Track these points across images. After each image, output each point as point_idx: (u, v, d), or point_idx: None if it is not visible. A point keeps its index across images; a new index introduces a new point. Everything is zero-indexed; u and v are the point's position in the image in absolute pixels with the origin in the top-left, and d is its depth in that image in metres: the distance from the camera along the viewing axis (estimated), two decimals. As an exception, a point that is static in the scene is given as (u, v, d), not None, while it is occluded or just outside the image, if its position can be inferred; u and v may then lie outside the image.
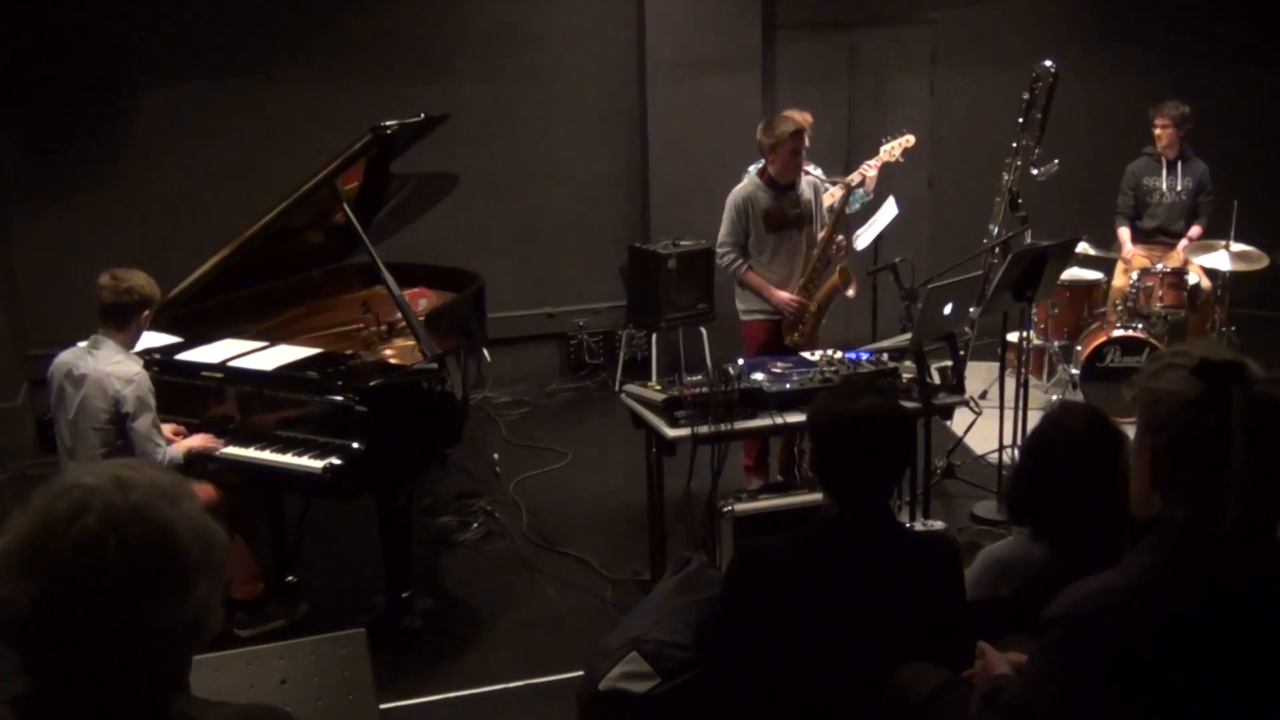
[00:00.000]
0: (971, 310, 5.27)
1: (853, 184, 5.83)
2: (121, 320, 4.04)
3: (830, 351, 4.68)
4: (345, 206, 4.70)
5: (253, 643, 3.98)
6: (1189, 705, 1.69)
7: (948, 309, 4.68)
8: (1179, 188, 7.00)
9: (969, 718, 2.03)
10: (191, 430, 4.30)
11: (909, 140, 6.03)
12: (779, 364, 4.57)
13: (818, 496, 3.41)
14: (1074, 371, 6.67)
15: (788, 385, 4.35)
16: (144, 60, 6.78)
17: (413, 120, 4.80)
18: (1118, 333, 6.48)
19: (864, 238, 6.11)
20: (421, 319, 4.71)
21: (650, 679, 2.88)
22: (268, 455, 4.18)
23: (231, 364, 4.40)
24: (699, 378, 4.36)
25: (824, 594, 2.49)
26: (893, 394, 3.90)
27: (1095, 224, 7.01)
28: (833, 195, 5.87)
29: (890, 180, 6.34)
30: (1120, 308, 6.68)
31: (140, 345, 4.34)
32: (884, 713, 2.33)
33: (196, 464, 4.19)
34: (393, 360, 4.81)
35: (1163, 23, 8.39)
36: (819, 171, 5.93)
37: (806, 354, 4.75)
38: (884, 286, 6.01)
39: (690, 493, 4.50)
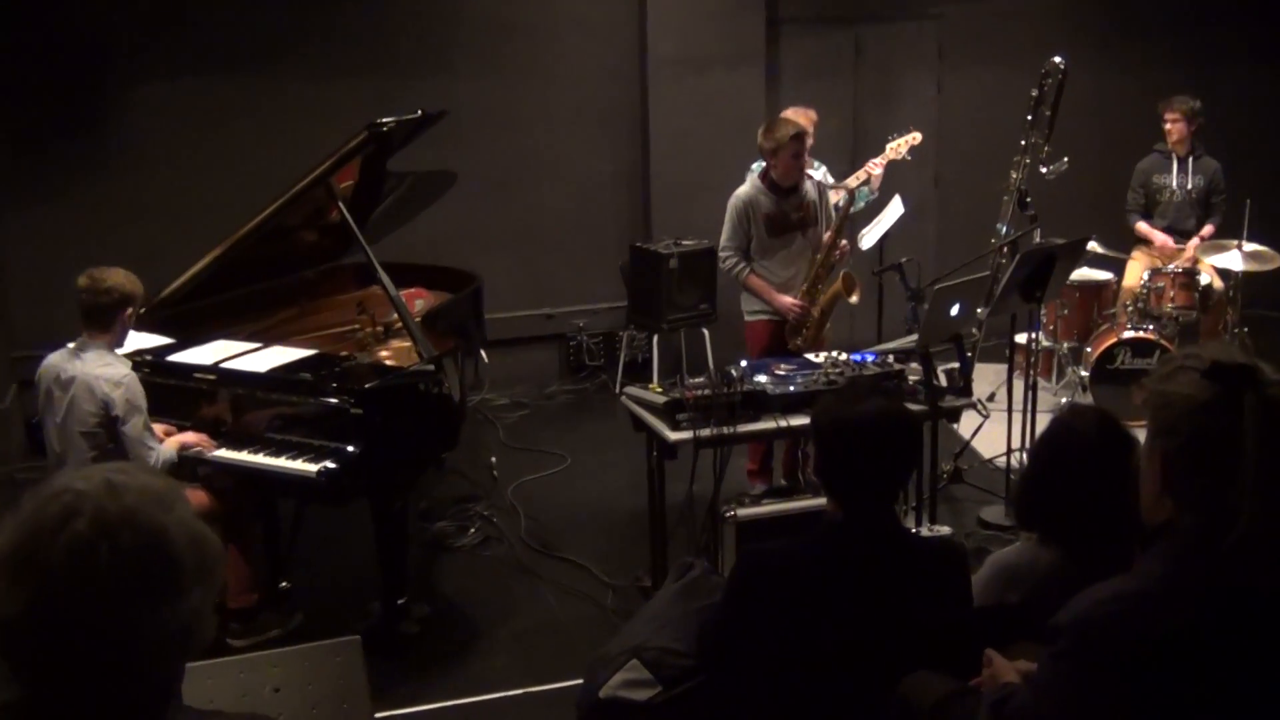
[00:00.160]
0: (979, 311, 5.27)
1: (852, 187, 5.83)
2: (104, 322, 4.02)
3: (835, 353, 4.68)
4: (340, 205, 4.70)
5: (246, 653, 3.99)
6: (1200, 715, 1.70)
7: (955, 310, 4.68)
8: (1189, 185, 7.00)
9: (976, 727, 2.03)
10: (183, 432, 4.29)
11: (915, 138, 6.04)
12: (782, 366, 4.57)
13: (822, 501, 3.41)
14: (1083, 374, 6.67)
15: (791, 387, 4.35)
16: (135, 56, 6.78)
17: (410, 117, 4.80)
18: (1128, 334, 6.48)
19: (869, 237, 6.11)
20: (418, 320, 4.71)
21: (651, 687, 2.89)
22: (261, 459, 4.18)
23: (224, 366, 4.40)
24: (701, 380, 4.36)
25: (828, 601, 2.49)
26: (898, 396, 3.91)
27: (1105, 223, 7.01)
28: (837, 194, 5.87)
29: (896, 178, 6.34)
30: (1131, 308, 6.68)
31: (131, 346, 4.34)
32: (889, 722, 2.34)
33: (189, 468, 4.19)
34: (389, 362, 4.81)
35: (1174, 18, 8.40)
36: (823, 170, 5.94)
37: (811, 356, 4.76)
38: (890, 287, 6.00)
39: (692, 497, 4.50)
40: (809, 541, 2.63)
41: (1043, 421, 3.39)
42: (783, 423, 4.27)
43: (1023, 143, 6.22)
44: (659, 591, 3.37)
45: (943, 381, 4.64)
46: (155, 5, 6.78)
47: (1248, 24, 8.44)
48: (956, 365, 4.79)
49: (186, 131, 6.87)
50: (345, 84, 6.99)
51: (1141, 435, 1.87)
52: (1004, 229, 6.28)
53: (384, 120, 4.56)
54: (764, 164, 5.45)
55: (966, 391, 4.73)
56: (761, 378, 4.40)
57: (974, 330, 5.80)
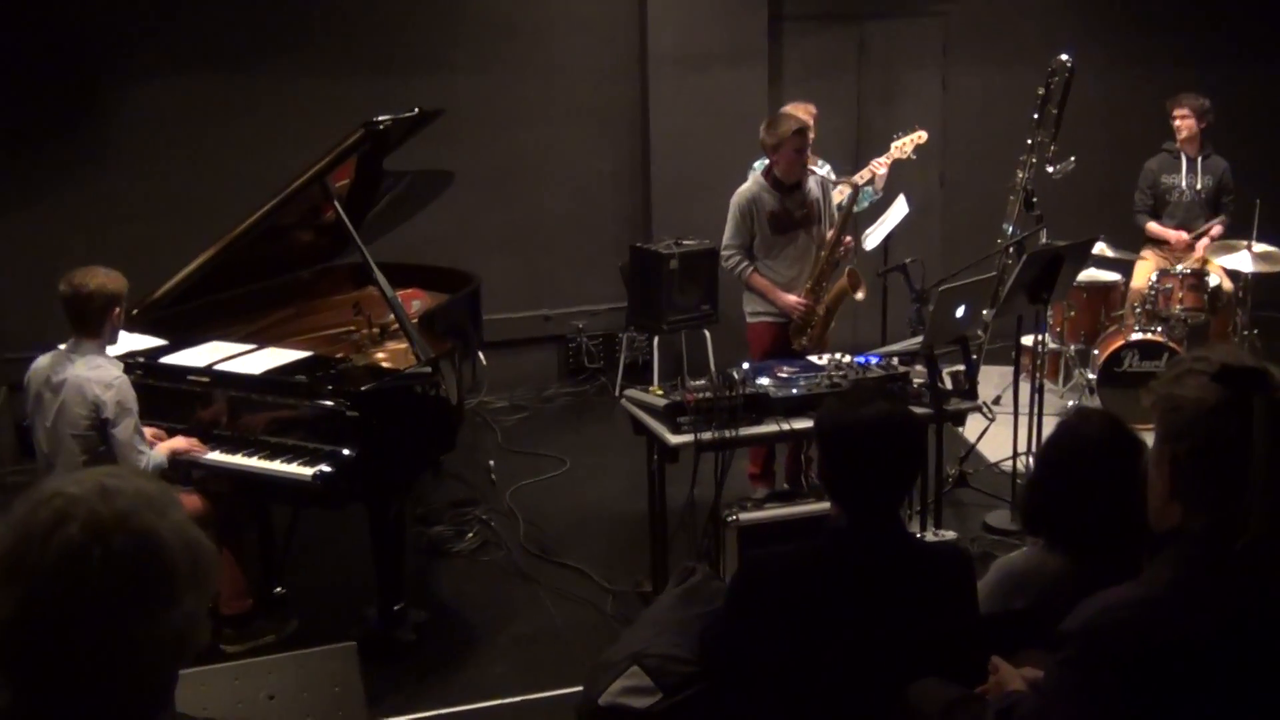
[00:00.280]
0: (985, 313, 5.27)
1: (859, 183, 5.83)
2: (94, 325, 4.00)
3: (839, 355, 4.68)
4: (336, 204, 4.70)
5: (240, 659, 3.99)
6: (1210, 723, 1.70)
7: (960, 311, 4.68)
8: (1198, 185, 7.00)
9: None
10: (174, 436, 4.28)
11: (921, 137, 6.04)
12: (785, 368, 4.57)
13: (825, 506, 3.41)
14: (1091, 376, 6.68)
15: (794, 390, 4.35)
16: (126, 53, 6.78)
17: (406, 115, 4.80)
18: (1136, 336, 6.48)
19: (873, 237, 6.11)
20: (415, 321, 4.72)
21: (652, 694, 2.89)
22: (255, 462, 4.18)
23: (218, 367, 4.40)
24: (702, 382, 4.36)
25: (831, 607, 2.49)
26: (903, 399, 3.91)
27: (1113, 223, 7.02)
28: (840, 194, 5.87)
29: (900, 178, 6.34)
30: (1139, 310, 6.68)
31: (124, 348, 4.34)
32: (894, 730, 2.34)
33: (182, 472, 4.19)
34: (385, 364, 4.81)
35: (1183, 16, 8.40)
36: (827, 169, 5.94)
37: (814, 358, 4.76)
38: (894, 288, 6.00)
39: (693, 502, 4.50)
40: (812, 547, 2.63)
41: (1049, 425, 3.40)
42: (785, 426, 4.27)
43: (1029, 141, 6.22)
44: (660, 597, 3.37)
45: (948, 384, 4.64)
46: (148, 2, 6.78)
47: (1257, 22, 8.45)
48: (962, 368, 4.79)
49: (180, 130, 6.87)
50: (341, 81, 6.99)
51: (1149, 439, 1.87)
52: (1010, 229, 6.28)
53: (380, 118, 4.56)
54: (766, 163, 5.45)
55: (972, 394, 4.73)
56: (764, 380, 4.40)
57: (980, 332, 5.80)
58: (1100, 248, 6.66)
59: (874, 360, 4.65)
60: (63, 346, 4.09)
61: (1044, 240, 5.76)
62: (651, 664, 2.91)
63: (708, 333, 7.37)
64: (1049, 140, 6.24)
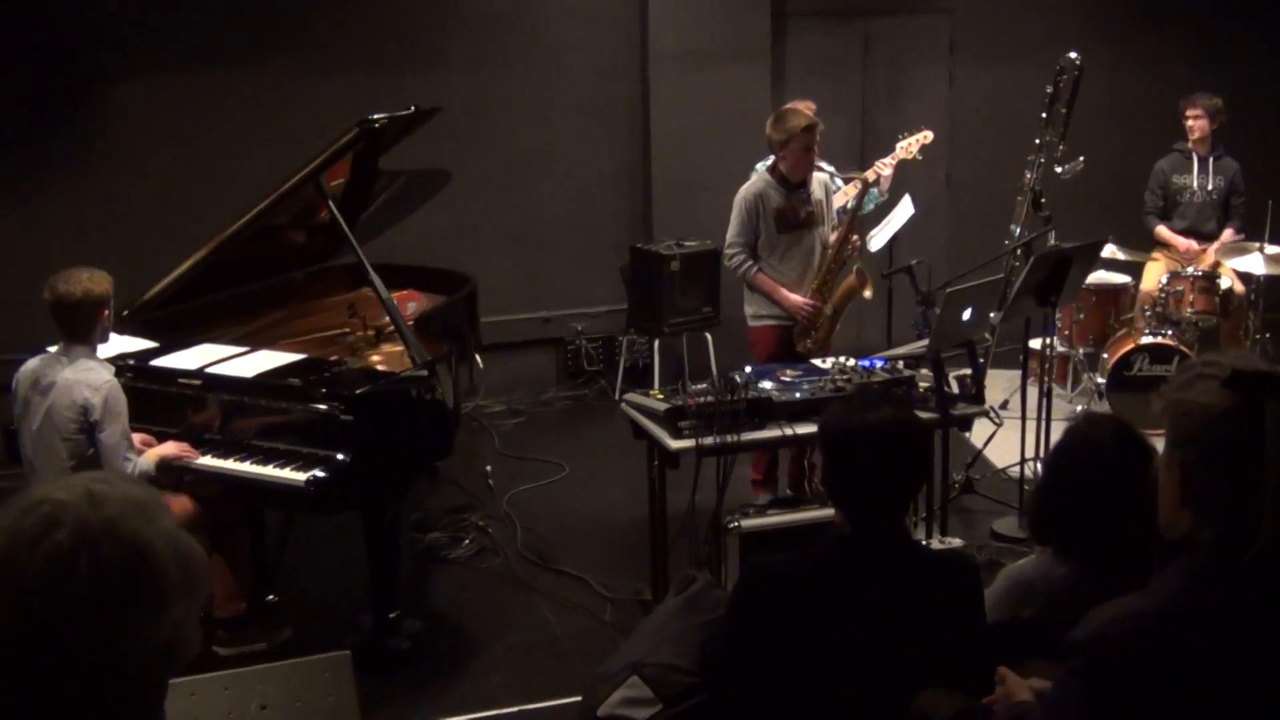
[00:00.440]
0: (992, 315, 5.28)
1: (869, 180, 5.83)
2: (83, 330, 4.00)
3: (843, 359, 4.68)
4: (330, 204, 4.70)
5: (233, 663, 3.99)
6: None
7: (967, 314, 4.68)
8: (1209, 186, 7.01)
9: (989, 747, 2.03)
10: (165, 440, 4.28)
11: (927, 136, 6.04)
12: (788, 372, 4.57)
13: (829, 512, 3.41)
14: (1100, 380, 6.68)
15: (797, 394, 4.35)
16: (117, 49, 6.78)
17: (402, 113, 4.80)
18: (1146, 339, 6.48)
19: (878, 239, 6.11)
20: (411, 323, 4.71)
21: (652, 705, 2.89)
22: (247, 467, 4.18)
23: (209, 370, 4.40)
24: (704, 386, 4.36)
25: (835, 616, 2.49)
26: (908, 404, 3.91)
27: (1122, 225, 7.02)
28: (846, 193, 5.87)
29: (906, 178, 6.35)
30: (1149, 313, 6.68)
31: (113, 350, 4.34)
32: (899, 742, 2.34)
33: (172, 476, 4.19)
34: (380, 367, 4.81)
35: (1193, 13, 8.41)
36: (830, 169, 5.94)
37: (818, 361, 4.76)
38: (900, 290, 6.02)
39: (694, 508, 4.49)
40: (815, 554, 2.63)
41: (1058, 430, 3.39)
42: (788, 431, 4.27)
43: (1037, 141, 6.22)
44: (660, 605, 3.37)
45: (954, 388, 4.64)
46: (139, -3, 6.80)
47: (1269, 20, 8.44)
48: (968, 372, 4.79)
49: (171, 128, 6.87)
50: (336, 79, 7.00)
51: (1160, 445, 1.87)
52: (1018, 230, 6.29)
53: (376, 116, 4.56)
54: (769, 162, 5.45)
55: (979, 399, 4.73)
56: (766, 384, 4.40)
57: (986, 335, 5.80)
58: (1109, 249, 6.67)
59: (879, 364, 4.65)
60: (53, 349, 4.09)
61: (1052, 242, 5.75)
62: (651, 674, 2.91)
63: (709, 335, 7.37)
64: (1057, 140, 6.24)
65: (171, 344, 4.65)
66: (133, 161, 6.85)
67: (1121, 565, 2.39)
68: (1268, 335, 6.84)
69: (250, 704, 2.58)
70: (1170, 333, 6.51)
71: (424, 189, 5.75)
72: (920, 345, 4.79)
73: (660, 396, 4.40)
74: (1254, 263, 6.56)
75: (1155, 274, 6.97)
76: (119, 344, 4.44)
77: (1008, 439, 5.86)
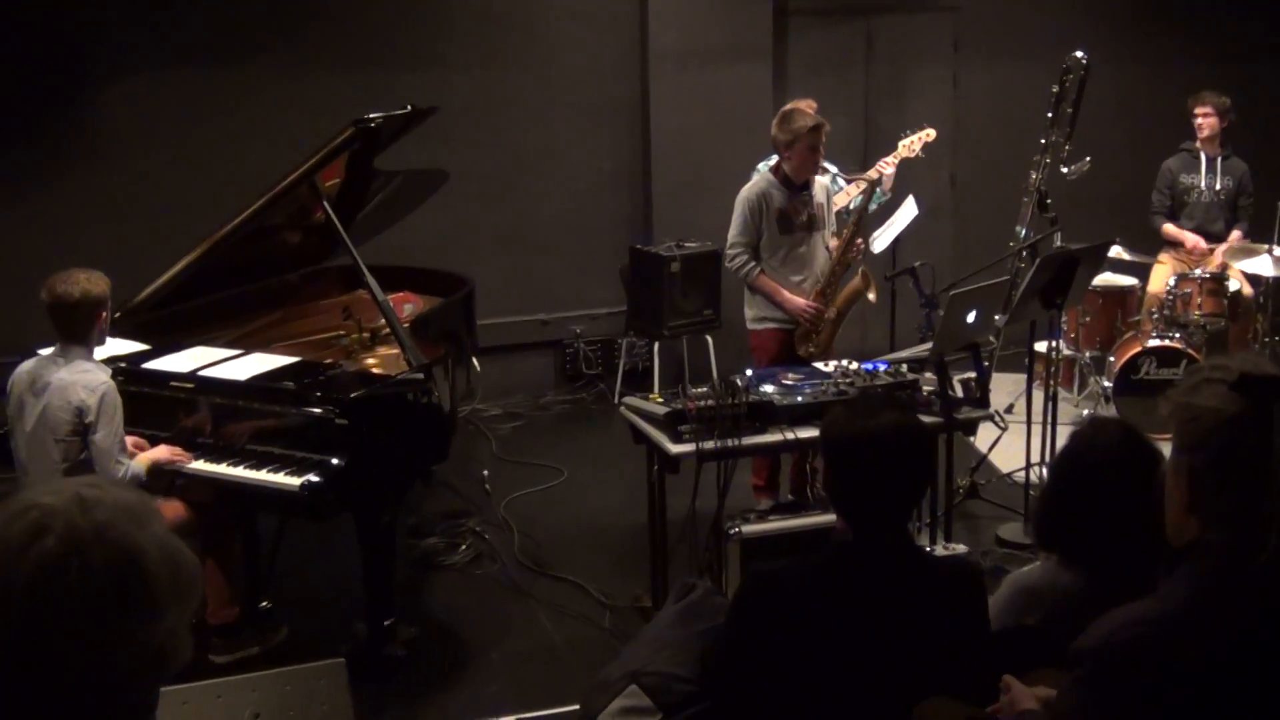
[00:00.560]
0: (997, 318, 5.27)
1: (874, 180, 5.83)
2: (80, 332, 4.01)
3: (846, 362, 4.68)
4: (325, 205, 4.71)
5: (228, 669, 3.99)
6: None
7: (971, 317, 4.68)
8: (1218, 186, 7.01)
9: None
10: (157, 444, 4.28)
11: (929, 135, 6.04)
12: (790, 375, 4.57)
13: (831, 518, 3.41)
14: (1106, 384, 6.68)
15: (799, 398, 4.35)
16: (109, 47, 6.78)
17: (398, 112, 4.81)
18: (1153, 342, 6.48)
19: (882, 240, 6.11)
20: (407, 326, 4.72)
21: (651, 714, 2.88)
22: (241, 471, 4.17)
23: (202, 373, 4.40)
24: (704, 389, 4.36)
25: (838, 623, 2.49)
26: (912, 408, 3.90)
27: (1129, 226, 7.03)
28: (848, 194, 5.87)
29: (910, 178, 6.35)
30: (1156, 316, 6.68)
31: (106, 353, 4.34)
32: (902, 751, 2.33)
33: (164, 480, 4.19)
34: (375, 370, 4.82)
35: (1201, 11, 8.41)
36: (834, 169, 5.94)
37: (820, 365, 4.76)
38: (903, 293, 6.01)
39: (694, 514, 4.49)
40: (817, 560, 2.63)
41: (1063, 434, 3.40)
42: (790, 435, 4.27)
43: (1043, 141, 6.22)
44: (659, 613, 3.37)
45: (958, 392, 4.64)
46: (132, -5, 6.80)
47: (1277, 19, 8.45)
48: (973, 375, 4.79)
49: (164, 128, 6.87)
50: (331, 78, 7.00)
51: (1167, 449, 1.87)
52: (1023, 232, 6.28)
53: (371, 115, 4.57)
54: (772, 162, 5.45)
55: (983, 403, 4.73)
56: (768, 388, 4.40)
57: (991, 338, 5.80)
58: (1116, 251, 6.66)
59: (882, 367, 4.65)
60: (48, 351, 4.10)
61: (1058, 243, 5.76)
62: (650, 683, 2.91)
63: (710, 338, 7.37)
64: (1063, 140, 6.24)
65: (164, 346, 4.66)
66: (126, 161, 6.85)
67: (1128, 571, 2.39)
68: (1277, 338, 6.84)
69: (243, 712, 2.57)
70: (1178, 335, 6.51)
71: (421, 189, 5.75)
72: (924, 348, 4.79)
73: (660, 400, 4.41)
74: (1263, 265, 6.57)
75: (1162, 276, 6.98)
76: (111, 346, 4.44)
77: (1013, 443, 5.86)
